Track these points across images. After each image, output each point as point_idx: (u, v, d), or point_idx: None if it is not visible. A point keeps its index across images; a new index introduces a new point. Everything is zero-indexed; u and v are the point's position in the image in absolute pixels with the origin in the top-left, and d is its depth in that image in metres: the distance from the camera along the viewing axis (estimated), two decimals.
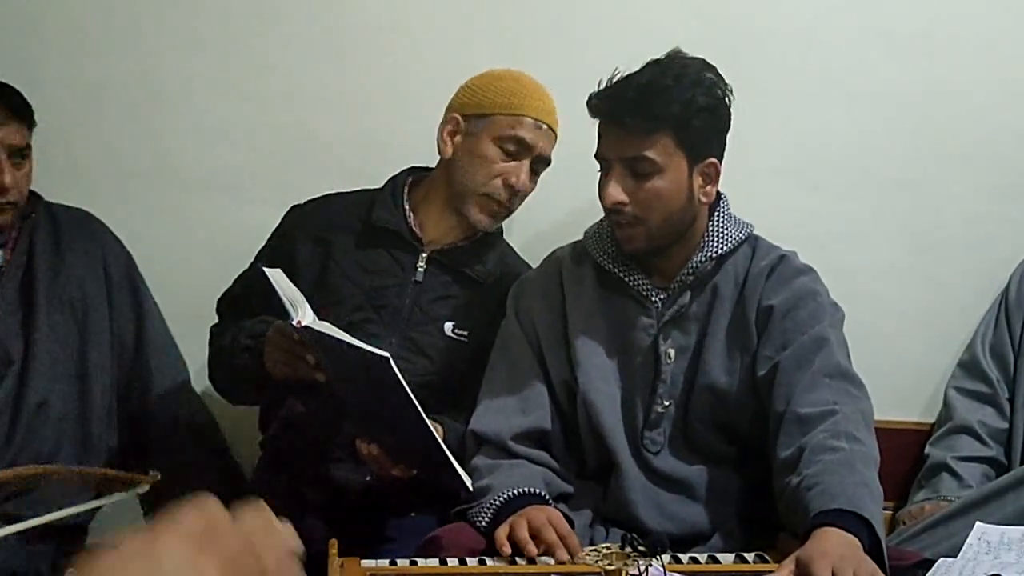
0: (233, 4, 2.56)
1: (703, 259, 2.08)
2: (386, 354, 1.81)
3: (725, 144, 2.09)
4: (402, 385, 1.83)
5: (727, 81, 2.04)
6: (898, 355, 2.66)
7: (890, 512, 2.44)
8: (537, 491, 1.96)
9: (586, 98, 2.04)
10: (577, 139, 2.45)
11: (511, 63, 2.57)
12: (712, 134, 2.04)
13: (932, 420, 2.67)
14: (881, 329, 2.59)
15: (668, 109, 1.97)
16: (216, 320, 2.38)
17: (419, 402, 2.18)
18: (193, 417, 2.44)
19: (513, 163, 2.21)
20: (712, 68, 2.04)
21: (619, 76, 2.02)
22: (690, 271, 2.08)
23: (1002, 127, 2.68)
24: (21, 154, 2.31)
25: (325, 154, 2.52)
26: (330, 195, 2.36)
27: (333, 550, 1.82)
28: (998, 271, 2.67)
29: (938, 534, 2.21)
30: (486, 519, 1.92)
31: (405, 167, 2.36)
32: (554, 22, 2.60)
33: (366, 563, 1.83)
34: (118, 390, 2.43)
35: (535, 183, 2.27)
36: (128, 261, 2.49)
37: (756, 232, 2.15)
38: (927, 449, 2.59)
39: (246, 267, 2.35)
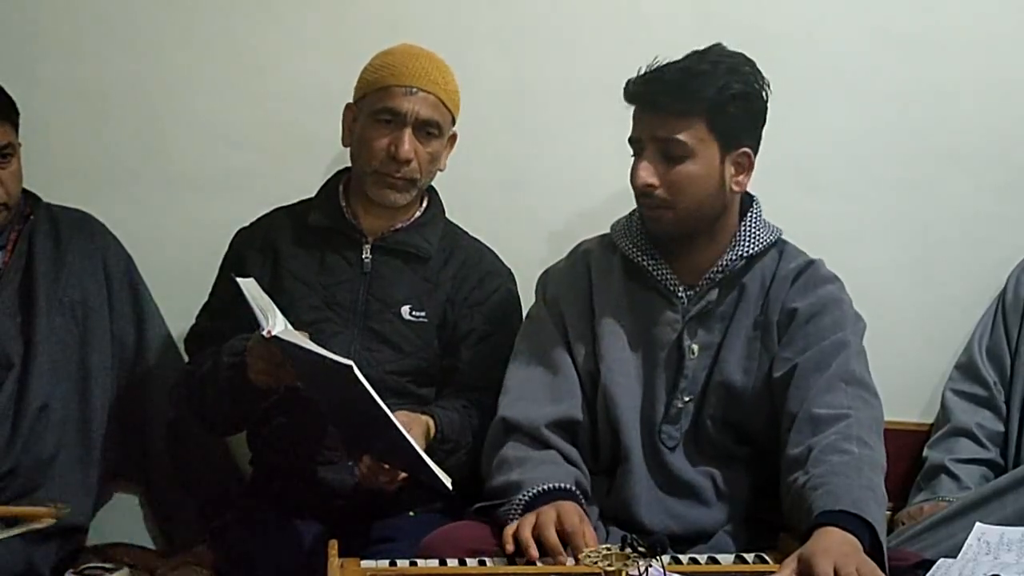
0: (233, 4, 2.57)
1: (734, 257, 2.09)
2: (349, 362, 1.83)
3: (760, 137, 2.10)
4: (368, 391, 1.84)
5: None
6: (897, 355, 2.66)
7: (889, 513, 2.44)
8: (567, 486, 1.95)
9: (623, 85, 2.05)
10: (581, 137, 2.46)
11: (511, 64, 2.58)
12: (746, 123, 2.05)
13: (931, 420, 2.68)
14: (881, 329, 2.57)
15: (703, 93, 1.99)
16: (187, 360, 2.37)
17: (395, 389, 2.21)
18: (189, 419, 2.43)
19: (391, 133, 2.21)
20: (751, 62, 2.06)
21: (658, 63, 2.04)
22: (720, 269, 2.09)
23: (1002, 127, 2.68)
24: (4, 153, 2.29)
25: (325, 154, 2.52)
26: (272, 211, 2.38)
27: (333, 551, 1.82)
28: (998, 271, 2.67)
29: (938, 534, 2.21)
30: (517, 516, 1.91)
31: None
32: (555, 23, 2.60)
33: (366, 563, 1.83)
34: (118, 392, 2.43)
35: (435, 148, 2.25)
36: (128, 262, 2.49)
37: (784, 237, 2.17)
38: (925, 451, 2.59)
39: (205, 300, 2.36)
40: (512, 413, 2.08)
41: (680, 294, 2.10)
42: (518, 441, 2.05)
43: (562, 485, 1.94)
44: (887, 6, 2.64)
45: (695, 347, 2.09)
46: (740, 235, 2.10)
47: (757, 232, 2.11)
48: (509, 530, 1.86)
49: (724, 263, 2.09)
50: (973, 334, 2.66)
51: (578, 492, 1.97)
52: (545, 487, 1.93)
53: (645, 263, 2.11)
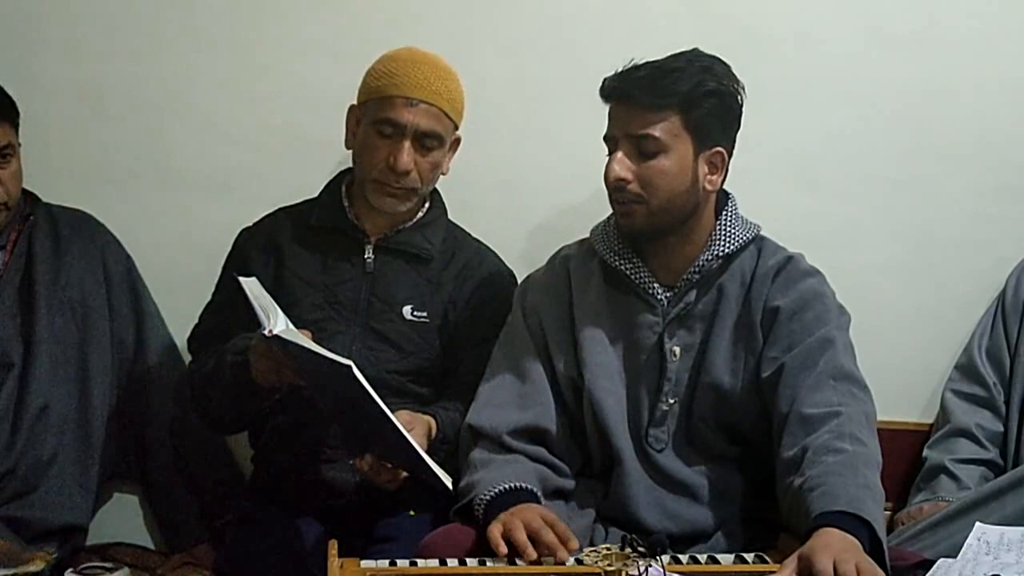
0: (233, 4, 2.57)
1: (710, 257, 2.08)
2: (348, 362, 1.83)
3: (735, 138, 2.10)
4: (368, 391, 1.85)
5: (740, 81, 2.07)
6: (897, 355, 2.66)
7: (889, 513, 2.44)
8: (528, 487, 1.96)
9: (599, 83, 2.06)
10: (579, 137, 2.46)
11: (510, 64, 2.58)
12: (720, 121, 2.05)
13: (931, 420, 2.68)
14: (880, 329, 2.59)
15: (677, 87, 2.00)
16: (191, 359, 2.37)
17: (396, 388, 2.22)
18: (192, 418, 2.43)
19: (391, 144, 2.20)
20: (726, 65, 2.07)
21: (634, 63, 2.05)
22: (697, 269, 2.08)
23: (1001, 127, 2.68)
24: (4, 153, 2.29)
25: (325, 155, 2.52)
26: (275, 211, 2.38)
27: (333, 550, 1.83)
28: (998, 271, 2.67)
29: (938, 534, 2.21)
30: (479, 515, 1.92)
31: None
32: (554, 23, 2.60)
33: (366, 563, 1.84)
34: (118, 392, 2.43)
35: (435, 158, 2.24)
36: (128, 262, 2.49)
37: (762, 233, 2.16)
38: (925, 452, 2.59)
39: (209, 299, 2.36)
40: (478, 420, 2.09)
41: (659, 296, 2.10)
42: (482, 447, 2.06)
43: (519, 485, 1.95)
44: (887, 6, 2.63)
45: (676, 349, 2.09)
46: (716, 234, 2.10)
47: (733, 230, 2.11)
48: (496, 533, 1.86)
49: (701, 263, 2.08)
50: (973, 334, 2.66)
51: (538, 491, 1.97)
52: (501, 488, 1.93)
53: (622, 266, 2.11)
